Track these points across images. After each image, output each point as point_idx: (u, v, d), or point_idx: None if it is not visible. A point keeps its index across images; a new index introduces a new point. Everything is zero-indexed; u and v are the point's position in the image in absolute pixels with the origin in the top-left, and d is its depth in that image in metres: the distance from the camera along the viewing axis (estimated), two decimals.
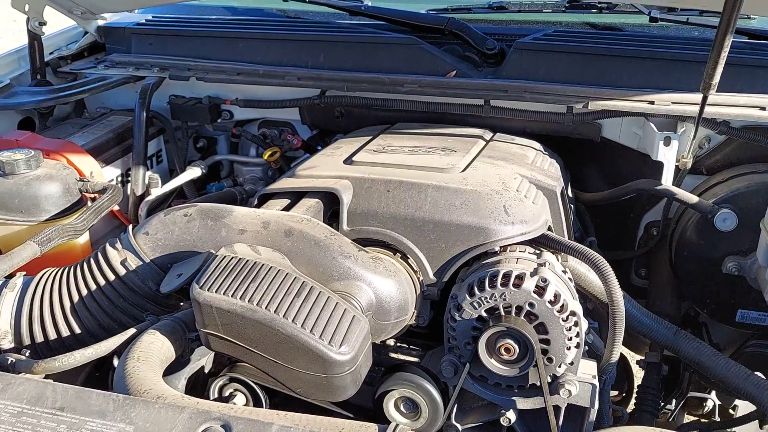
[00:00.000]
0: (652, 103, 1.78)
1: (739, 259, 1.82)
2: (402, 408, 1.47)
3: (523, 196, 1.52)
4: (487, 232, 1.41)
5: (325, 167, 1.63)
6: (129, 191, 2.23)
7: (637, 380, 2.19)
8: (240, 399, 1.41)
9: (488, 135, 1.94)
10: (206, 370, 1.50)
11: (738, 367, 1.58)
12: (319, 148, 2.36)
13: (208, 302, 1.16)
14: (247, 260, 1.23)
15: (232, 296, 1.16)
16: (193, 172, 2.32)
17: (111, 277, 1.41)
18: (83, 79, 2.44)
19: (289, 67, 2.18)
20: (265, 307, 1.14)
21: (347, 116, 2.22)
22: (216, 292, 1.17)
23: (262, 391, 1.40)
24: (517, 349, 1.33)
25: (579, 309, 1.35)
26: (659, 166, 1.85)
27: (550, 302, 1.31)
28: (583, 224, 2.19)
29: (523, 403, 1.43)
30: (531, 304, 1.32)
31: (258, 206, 1.57)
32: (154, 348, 1.20)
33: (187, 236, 1.40)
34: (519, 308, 1.33)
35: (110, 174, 2.24)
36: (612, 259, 2.24)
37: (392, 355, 1.71)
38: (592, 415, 1.40)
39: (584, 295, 1.70)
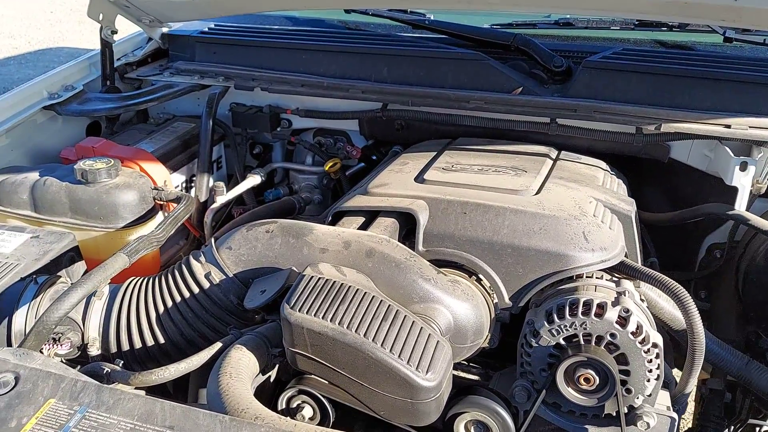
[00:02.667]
0: (728, 126, 1.76)
1: None
2: (472, 430, 1.47)
3: (600, 222, 1.51)
4: (567, 258, 1.41)
5: (397, 185, 1.64)
6: (194, 198, 2.26)
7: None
8: (307, 411, 1.42)
9: (553, 153, 1.93)
10: (271, 380, 1.52)
11: None
12: (374, 158, 2.38)
13: (300, 323, 1.18)
14: (335, 282, 1.24)
15: (322, 318, 1.18)
16: (254, 180, 2.35)
17: (195, 289, 1.44)
18: (150, 86, 2.50)
19: (353, 80, 2.20)
20: (355, 331, 1.16)
21: (407, 129, 2.23)
22: (307, 312, 1.19)
23: (329, 404, 1.41)
24: (597, 380, 1.33)
25: (660, 340, 1.34)
26: (730, 189, 1.82)
27: (633, 333, 1.31)
28: (644, 244, 2.16)
29: None
30: (613, 335, 1.31)
31: (333, 223, 1.59)
32: (243, 364, 1.22)
33: (269, 252, 1.42)
34: (599, 338, 1.33)
35: (176, 180, 2.28)
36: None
37: (452, 372, 1.72)
38: None
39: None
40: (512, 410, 1.45)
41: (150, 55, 2.69)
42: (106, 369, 1.29)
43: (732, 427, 2.27)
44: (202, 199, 2.25)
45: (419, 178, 1.68)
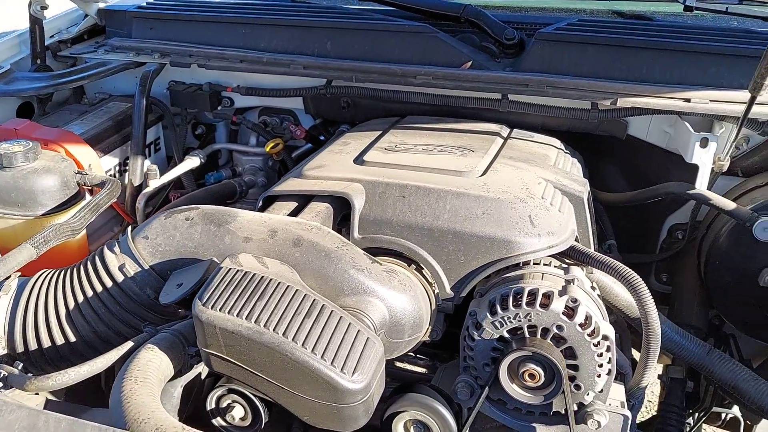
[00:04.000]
0: (688, 100, 1.66)
1: None
2: (412, 430, 1.37)
3: (548, 204, 1.41)
4: (512, 244, 1.31)
5: (334, 167, 1.52)
6: (126, 182, 2.12)
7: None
8: (238, 411, 1.31)
9: (505, 131, 1.82)
10: (203, 377, 1.41)
11: None
12: (322, 138, 2.25)
13: (212, 322, 1.06)
14: (254, 275, 1.12)
15: (237, 316, 1.06)
16: (192, 162, 2.21)
17: (108, 283, 1.31)
18: (83, 64, 2.34)
19: (295, 55, 2.07)
20: (273, 329, 1.04)
21: (354, 107, 2.10)
22: (220, 310, 1.07)
23: (261, 403, 1.30)
24: (543, 375, 1.23)
25: (611, 332, 1.25)
26: (691, 167, 1.73)
27: (581, 325, 1.21)
28: (602, 225, 2.08)
29: (543, 431, 1.33)
30: (559, 327, 1.21)
31: (263, 209, 1.46)
32: (153, 366, 1.10)
33: (188, 242, 1.29)
34: (545, 330, 1.23)
35: (108, 164, 2.14)
36: (632, 262, 2.17)
37: (398, 364, 1.62)
38: None
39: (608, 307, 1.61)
40: (455, 408, 1.36)
41: (86, 32, 2.53)
42: (2, 373, 1.16)
43: (696, 415, 2.22)
44: (136, 183, 2.11)
45: (359, 160, 1.56)
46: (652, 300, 1.29)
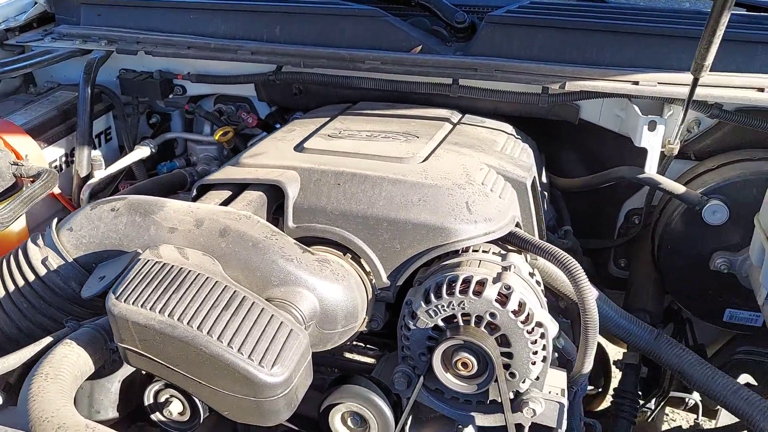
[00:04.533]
0: (636, 83, 1.63)
1: (728, 255, 1.68)
2: (349, 422, 1.34)
3: (488, 190, 1.38)
4: (447, 232, 1.27)
5: (272, 155, 1.48)
6: (73, 172, 2.07)
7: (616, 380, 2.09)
8: (175, 406, 1.27)
9: (456, 117, 1.79)
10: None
11: (725, 378, 1.46)
12: (278, 126, 2.20)
13: (124, 315, 1.02)
14: (172, 266, 1.08)
15: (150, 309, 1.02)
16: (142, 152, 2.16)
17: (31, 277, 1.26)
18: (30, 52, 2.27)
19: (243, 41, 2.01)
20: (187, 323, 1.00)
21: (306, 94, 2.06)
22: (133, 303, 1.03)
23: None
24: (476, 364, 1.20)
25: (547, 319, 1.22)
26: (643, 151, 1.71)
27: (514, 312, 1.18)
28: (558, 211, 2.05)
29: (482, 420, 1.31)
30: (492, 314, 1.18)
31: (197, 198, 1.42)
32: (68, 362, 1.06)
33: (113, 233, 1.25)
34: (479, 318, 1.20)
35: (54, 154, 2.08)
36: (590, 248, 2.16)
37: (347, 354, 1.59)
38: None
39: (556, 293, 1.58)
40: (393, 398, 1.33)
41: (35, 20, 2.46)
42: None
43: (655, 400, 2.21)
44: (83, 173, 2.05)
45: (299, 147, 1.52)
46: (590, 285, 1.27)
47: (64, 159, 2.12)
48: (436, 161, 1.44)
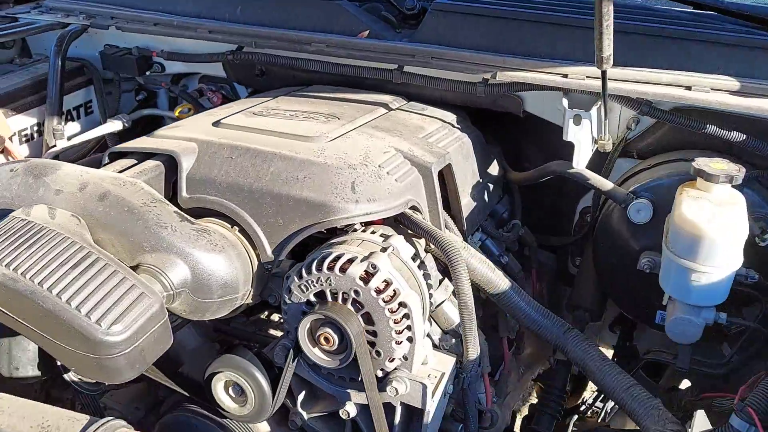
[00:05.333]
0: (565, 76, 1.60)
1: (653, 256, 1.62)
2: (231, 392, 1.37)
3: (384, 173, 1.37)
4: (327, 209, 1.28)
5: (187, 128, 1.52)
6: (43, 142, 2.16)
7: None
8: None
9: (397, 103, 1.79)
10: None
11: (622, 376, 1.44)
12: None
13: None
14: (33, 224, 1.13)
15: None
16: (113, 125, 2.24)
17: None
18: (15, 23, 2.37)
19: (206, 20, 2.06)
20: (30, 278, 1.05)
21: (268, 75, 2.08)
22: None
23: None
24: (336, 340, 1.21)
25: (414, 301, 1.22)
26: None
27: (377, 291, 1.19)
28: (512, 204, 2.02)
29: (358, 398, 1.32)
30: (356, 292, 1.19)
31: (107, 164, 1.47)
32: None
33: (6, 193, 1.30)
34: (345, 295, 1.21)
35: (24, 123, 2.17)
36: (551, 245, 2.12)
37: (271, 332, 1.62)
38: (427, 417, 1.28)
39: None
40: (275, 372, 1.35)
41: None
42: None
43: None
44: (51, 143, 2.14)
45: (217, 122, 1.55)
46: (466, 273, 1.26)
47: (36, 128, 2.21)
48: (341, 142, 1.45)
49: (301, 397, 1.42)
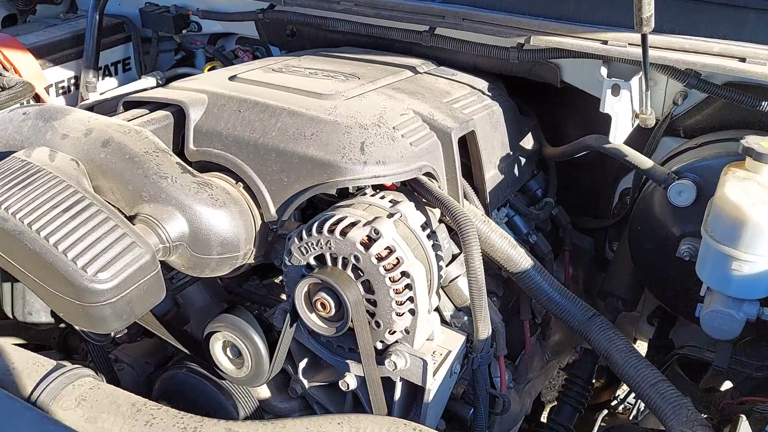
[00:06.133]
0: (605, 42, 1.47)
1: (695, 242, 1.50)
2: (229, 353, 1.33)
3: (398, 135, 1.30)
4: (333, 169, 1.22)
5: (204, 81, 1.47)
6: (79, 95, 2.17)
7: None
8: None
9: (426, 67, 1.70)
10: None
11: (650, 369, 1.33)
12: None
13: None
14: (31, 166, 1.11)
15: None
16: (147, 82, 2.23)
17: None
18: None
19: None
20: (19, 218, 1.02)
21: (299, 36, 2.03)
22: None
23: None
24: (333, 306, 1.15)
25: (418, 272, 1.14)
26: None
27: (378, 257, 1.12)
28: (547, 182, 1.92)
29: (358, 369, 1.26)
30: (356, 257, 1.13)
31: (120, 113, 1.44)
32: None
33: (17, 136, 1.29)
34: (345, 260, 1.14)
35: (62, 75, 2.19)
36: (590, 227, 2.00)
37: (283, 296, 1.58)
38: (427, 396, 1.21)
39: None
40: (274, 336, 1.30)
41: None
42: None
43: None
44: (86, 96, 2.15)
45: (234, 77, 1.50)
46: (477, 246, 1.18)
47: (73, 81, 2.23)
48: (357, 101, 1.38)
49: (302, 364, 1.38)
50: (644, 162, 1.52)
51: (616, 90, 1.45)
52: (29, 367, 0.83)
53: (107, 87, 2.29)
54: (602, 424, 2.08)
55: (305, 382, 1.38)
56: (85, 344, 1.65)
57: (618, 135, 1.50)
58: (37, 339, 1.92)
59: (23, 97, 1.79)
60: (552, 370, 2.05)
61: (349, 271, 1.14)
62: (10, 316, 1.63)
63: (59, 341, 1.87)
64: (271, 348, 1.28)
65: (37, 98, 2.02)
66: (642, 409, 2.22)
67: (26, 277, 1.07)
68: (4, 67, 1.88)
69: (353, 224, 1.14)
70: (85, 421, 0.78)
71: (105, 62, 2.29)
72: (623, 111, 1.48)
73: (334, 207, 1.24)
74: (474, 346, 1.30)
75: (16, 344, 1.85)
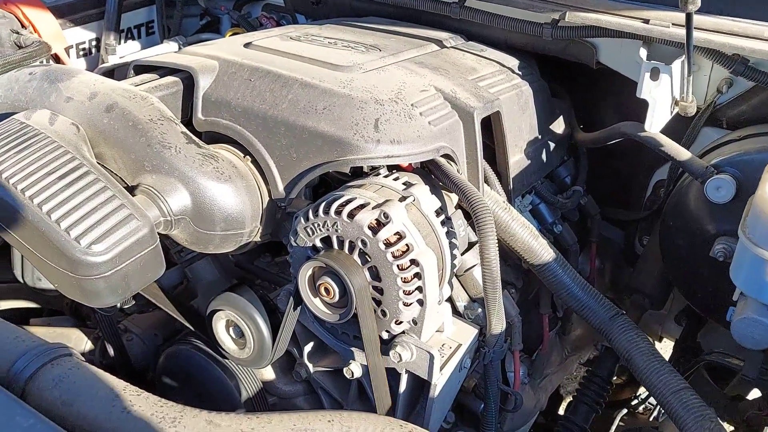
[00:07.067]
0: (646, 21, 1.37)
1: (731, 242, 1.40)
2: (232, 333, 1.29)
3: (416, 113, 1.22)
4: (343, 146, 1.15)
5: (218, 47, 1.41)
6: (100, 58, 2.13)
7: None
8: None
9: (453, 42, 1.61)
10: None
11: (672, 376, 1.25)
12: None
13: None
14: (29, 129, 1.06)
15: None
16: (168, 47, 2.17)
17: None
18: None
19: None
20: (13, 184, 0.98)
21: (324, 4, 1.94)
22: None
23: None
24: (337, 291, 1.09)
25: (429, 260, 1.07)
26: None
27: (386, 243, 1.05)
28: (576, 169, 1.82)
29: (363, 358, 1.20)
30: (363, 242, 1.06)
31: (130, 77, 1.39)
32: None
33: (22, 96, 1.25)
34: (352, 244, 1.08)
35: (83, 36, 2.14)
36: (615, 218, 1.90)
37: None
38: (433, 391, 1.14)
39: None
40: (278, 318, 1.25)
41: None
42: None
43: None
44: (106, 59, 2.10)
45: (248, 44, 1.43)
46: (494, 234, 1.10)
47: (94, 43, 2.18)
48: (375, 74, 1.30)
49: (307, 348, 1.33)
50: (681, 153, 1.41)
51: (655, 74, 1.35)
52: (9, 342, 0.79)
53: (128, 51, 2.24)
54: (621, 423, 2.00)
55: (310, 366, 1.34)
56: (94, 313, 1.63)
57: (655, 123, 1.40)
58: (49, 304, 1.91)
59: (38, 57, 1.75)
60: (571, 366, 1.97)
61: (355, 256, 1.08)
62: (20, 281, 1.61)
63: (71, 307, 1.86)
64: (275, 330, 1.23)
65: (57, 59, 1.98)
66: (662, 411, 2.13)
67: (20, 244, 1.03)
68: (22, 25, 1.83)
69: (362, 206, 1.08)
70: (61, 404, 0.73)
71: (127, 25, 2.23)
72: (662, 97, 1.37)
73: (344, 187, 1.18)
74: (486, 341, 1.24)
75: (28, 308, 1.89)
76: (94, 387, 0.75)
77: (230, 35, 2.07)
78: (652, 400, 2.17)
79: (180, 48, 2.20)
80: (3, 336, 0.79)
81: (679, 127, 1.56)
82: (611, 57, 1.56)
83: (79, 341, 1.68)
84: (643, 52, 1.38)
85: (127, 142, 1.13)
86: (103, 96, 1.18)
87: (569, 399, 2.09)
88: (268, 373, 1.42)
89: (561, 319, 1.76)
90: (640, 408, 2.19)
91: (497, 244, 1.11)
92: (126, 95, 1.19)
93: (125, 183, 1.15)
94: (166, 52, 2.17)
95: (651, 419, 2.13)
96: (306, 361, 1.33)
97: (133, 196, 1.09)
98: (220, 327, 1.29)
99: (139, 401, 0.74)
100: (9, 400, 0.66)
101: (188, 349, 1.40)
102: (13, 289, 1.81)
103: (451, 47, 1.58)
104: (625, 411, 2.12)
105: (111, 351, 1.59)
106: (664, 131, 1.46)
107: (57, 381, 0.75)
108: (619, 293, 1.94)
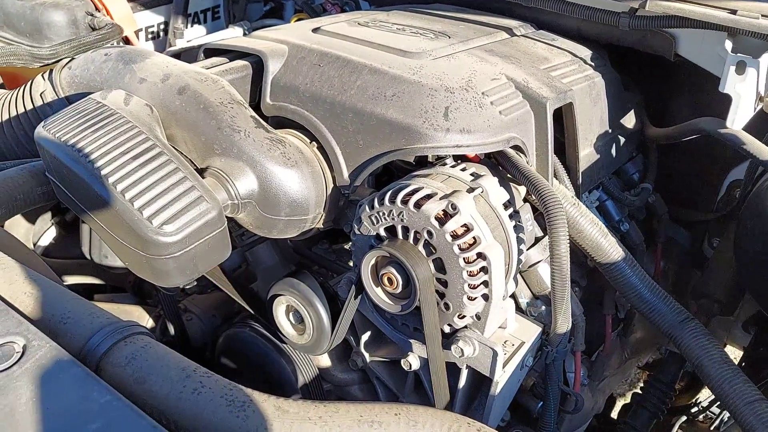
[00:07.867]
0: (734, 12, 1.30)
1: None
2: (291, 318, 1.29)
3: (487, 102, 1.19)
4: (411, 134, 1.12)
5: (287, 31, 1.40)
6: (167, 41, 2.16)
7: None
8: None
9: (523, 30, 1.56)
10: None
11: (747, 386, 1.19)
12: None
13: (41, 143, 1.04)
14: (105, 108, 1.08)
15: (62, 141, 1.02)
16: (233, 32, 2.19)
17: (29, 106, 1.34)
18: None
19: None
20: (88, 161, 0.99)
21: None
22: (53, 133, 1.04)
23: None
24: (400, 282, 1.07)
25: (496, 254, 1.05)
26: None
27: (453, 235, 1.03)
28: (645, 166, 1.76)
29: (421, 350, 1.18)
30: (429, 233, 1.04)
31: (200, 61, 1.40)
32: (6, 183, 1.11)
33: (97, 77, 1.27)
34: (418, 235, 1.06)
35: (152, 20, 2.18)
36: (683, 219, 1.83)
37: (351, 264, 1.52)
38: (494, 388, 1.12)
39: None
40: (338, 306, 1.25)
41: None
42: None
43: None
44: (174, 42, 2.14)
45: (317, 29, 1.42)
46: (565, 230, 1.07)
47: (163, 27, 2.22)
48: (445, 62, 1.27)
49: (365, 337, 1.32)
50: (764, 152, 1.34)
51: (741, 68, 1.28)
52: (84, 318, 0.80)
53: (195, 35, 2.27)
54: (679, 430, 1.94)
55: (367, 355, 1.33)
56: (156, 291, 1.66)
57: (738, 119, 1.33)
58: (113, 281, 1.97)
59: (112, 39, 1.79)
60: (629, 369, 1.92)
61: (420, 247, 1.06)
62: (87, 258, 1.66)
63: (134, 286, 1.90)
64: (334, 317, 1.23)
65: (127, 41, 2.02)
66: (725, 419, 2.05)
67: (93, 221, 1.04)
68: (96, 8, 1.87)
69: (429, 196, 1.06)
70: (133, 381, 0.74)
71: (195, 9, 2.26)
72: (747, 92, 1.30)
73: (411, 176, 1.16)
74: (550, 340, 1.20)
75: (92, 284, 1.94)
76: (166, 366, 0.75)
77: (295, 21, 2.07)
78: (714, 409, 2.09)
79: (245, 33, 2.21)
80: (78, 312, 0.81)
81: (760, 126, 1.48)
82: (691, 49, 1.49)
83: (140, 319, 1.72)
84: (728, 45, 1.31)
85: (198, 125, 1.14)
86: (176, 78, 1.19)
87: (622, 402, 2.03)
88: (325, 360, 1.42)
89: (623, 320, 1.71)
90: (701, 416, 2.11)
91: (568, 242, 1.07)
92: (198, 78, 1.19)
93: (195, 165, 1.16)
94: (231, 36, 2.20)
95: (712, 429, 2.05)
96: (363, 350, 1.33)
97: (203, 178, 1.10)
98: (280, 311, 1.29)
99: (210, 383, 0.74)
100: (86, 375, 0.67)
101: (248, 332, 1.41)
102: (80, 265, 1.86)
103: (522, 36, 1.54)
104: (684, 418, 2.05)
105: (171, 330, 1.62)
106: (744, 129, 1.39)
107: (130, 359, 0.76)
108: (682, 296, 1.87)
